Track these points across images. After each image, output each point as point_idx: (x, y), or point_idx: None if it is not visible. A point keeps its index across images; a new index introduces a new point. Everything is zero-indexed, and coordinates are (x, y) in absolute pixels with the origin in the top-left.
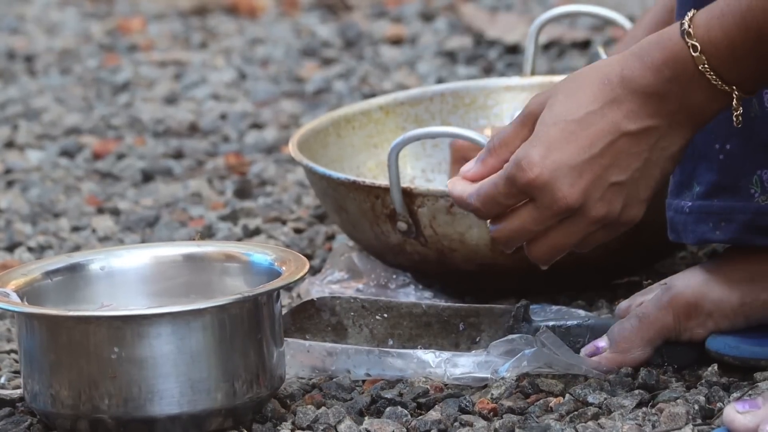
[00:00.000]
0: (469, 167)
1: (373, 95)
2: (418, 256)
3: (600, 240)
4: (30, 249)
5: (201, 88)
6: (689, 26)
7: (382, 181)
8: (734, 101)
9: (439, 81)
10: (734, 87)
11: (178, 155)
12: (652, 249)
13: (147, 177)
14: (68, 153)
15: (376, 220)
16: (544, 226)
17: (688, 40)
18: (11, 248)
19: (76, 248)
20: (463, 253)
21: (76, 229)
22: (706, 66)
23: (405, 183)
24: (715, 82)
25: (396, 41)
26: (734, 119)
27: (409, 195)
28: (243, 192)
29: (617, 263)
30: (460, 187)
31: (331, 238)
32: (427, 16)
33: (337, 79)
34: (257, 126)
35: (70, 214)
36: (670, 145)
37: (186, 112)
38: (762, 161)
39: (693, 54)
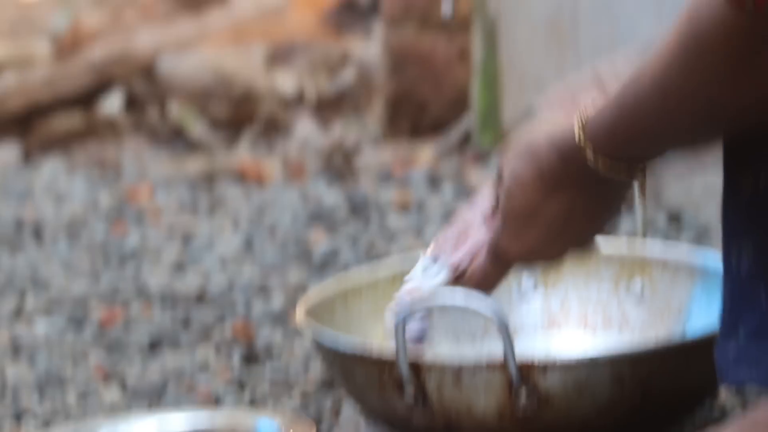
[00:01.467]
0: None
1: (379, 260)
2: (425, 425)
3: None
4: (37, 417)
5: (208, 255)
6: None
7: (390, 348)
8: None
9: None
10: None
11: (186, 323)
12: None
13: (154, 346)
14: (75, 321)
15: (382, 389)
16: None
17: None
18: (18, 417)
19: (83, 417)
20: (470, 422)
21: (83, 398)
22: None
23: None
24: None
25: (403, 207)
26: (638, 195)
27: (416, 366)
28: (250, 359)
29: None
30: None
31: (338, 405)
32: (434, 182)
33: (344, 246)
34: (265, 293)
35: (77, 383)
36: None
37: (193, 279)
38: None
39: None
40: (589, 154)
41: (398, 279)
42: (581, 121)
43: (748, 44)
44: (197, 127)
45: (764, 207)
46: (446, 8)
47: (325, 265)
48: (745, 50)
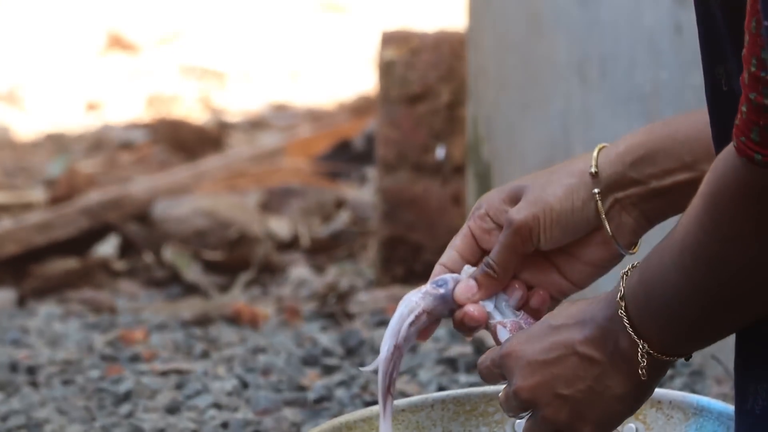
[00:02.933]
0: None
1: (374, 403)
2: None
3: None
4: None
5: (202, 397)
6: (630, 270)
7: None
8: (638, 354)
9: (440, 388)
10: (643, 341)
11: None
12: None
13: None
14: None
15: None
16: (514, 408)
17: (621, 281)
18: None
19: None
20: None
21: None
22: (623, 312)
23: None
24: (629, 331)
25: None
26: (640, 372)
27: None
28: None
29: None
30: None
31: None
32: None
33: (339, 387)
34: None
35: None
36: (613, 386)
37: (187, 421)
38: None
39: (617, 299)
40: (619, 304)
41: (393, 419)
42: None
43: (762, 198)
44: (192, 271)
45: None
46: (440, 152)
47: (320, 406)
48: (760, 204)
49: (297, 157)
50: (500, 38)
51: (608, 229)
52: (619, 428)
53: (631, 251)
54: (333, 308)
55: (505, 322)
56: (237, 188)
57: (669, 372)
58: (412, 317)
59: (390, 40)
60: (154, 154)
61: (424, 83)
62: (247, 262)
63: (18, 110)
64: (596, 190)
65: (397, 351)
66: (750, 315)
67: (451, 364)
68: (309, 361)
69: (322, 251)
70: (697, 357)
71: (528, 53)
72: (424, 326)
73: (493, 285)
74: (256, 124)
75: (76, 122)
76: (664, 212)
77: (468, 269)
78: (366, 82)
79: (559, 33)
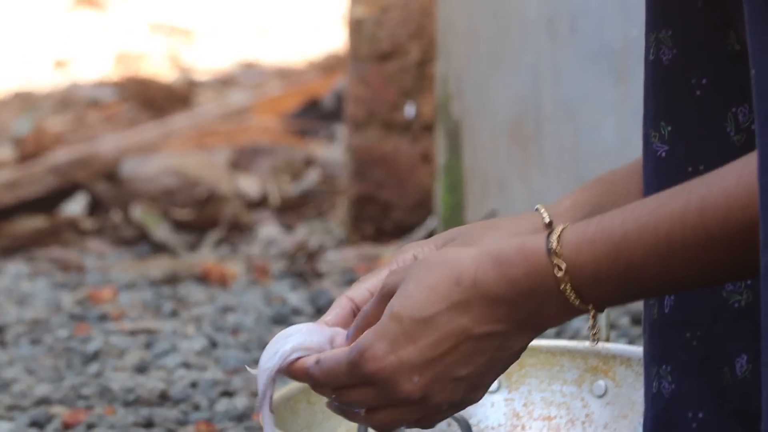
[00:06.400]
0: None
1: None
2: None
3: (442, 418)
4: None
5: (171, 356)
6: (557, 245)
7: None
8: (591, 319)
9: None
10: (590, 305)
11: (149, 424)
12: None
13: None
14: (38, 424)
15: None
16: (383, 405)
17: (553, 258)
18: None
19: None
20: None
21: None
22: (567, 286)
23: None
24: (573, 301)
25: None
26: (591, 338)
27: None
28: None
29: None
30: (302, 359)
31: None
32: None
33: None
34: (228, 394)
35: None
36: (514, 345)
37: (156, 380)
38: (734, 429)
39: (557, 274)
40: (563, 279)
41: None
42: (556, 238)
43: None
44: (160, 230)
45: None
46: (409, 110)
47: None
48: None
49: (266, 115)
50: None
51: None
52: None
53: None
54: (302, 267)
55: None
56: (206, 146)
57: (636, 331)
58: (285, 361)
59: None
60: (123, 112)
61: (394, 41)
62: (215, 220)
63: None
64: None
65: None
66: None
67: None
68: (278, 320)
69: (291, 210)
70: None
71: (498, 9)
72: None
73: None
74: (224, 82)
75: (44, 80)
76: None
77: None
78: (335, 40)
79: None
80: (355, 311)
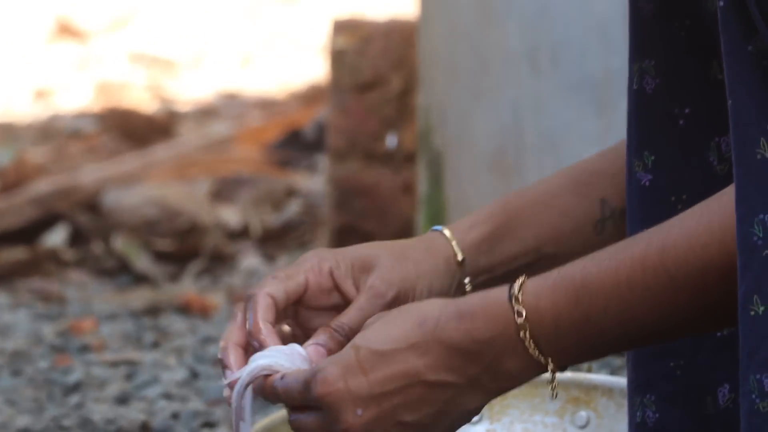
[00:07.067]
0: None
1: None
2: None
3: None
4: None
5: (153, 387)
6: (518, 291)
7: None
8: (550, 373)
9: None
10: (550, 359)
11: None
12: None
13: None
14: None
15: None
16: None
17: (514, 305)
18: None
19: None
20: None
21: None
22: (527, 334)
23: None
24: (532, 352)
25: None
26: (551, 393)
27: None
28: None
29: None
30: (272, 376)
31: None
32: None
33: None
34: (209, 425)
35: None
36: (466, 403)
37: (137, 412)
38: None
39: (516, 320)
40: (523, 326)
41: None
42: (518, 285)
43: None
44: (142, 260)
45: None
46: (391, 140)
47: None
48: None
49: (247, 145)
50: (452, 25)
51: None
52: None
53: None
54: None
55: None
56: (187, 177)
57: (618, 362)
58: (252, 376)
59: (341, 28)
60: (104, 142)
61: (376, 71)
62: (197, 251)
63: None
64: (467, 280)
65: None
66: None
67: None
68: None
69: (273, 240)
70: None
71: (479, 40)
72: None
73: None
74: (206, 113)
75: (25, 110)
76: None
77: (295, 348)
78: (317, 70)
79: (510, 20)
80: (279, 311)
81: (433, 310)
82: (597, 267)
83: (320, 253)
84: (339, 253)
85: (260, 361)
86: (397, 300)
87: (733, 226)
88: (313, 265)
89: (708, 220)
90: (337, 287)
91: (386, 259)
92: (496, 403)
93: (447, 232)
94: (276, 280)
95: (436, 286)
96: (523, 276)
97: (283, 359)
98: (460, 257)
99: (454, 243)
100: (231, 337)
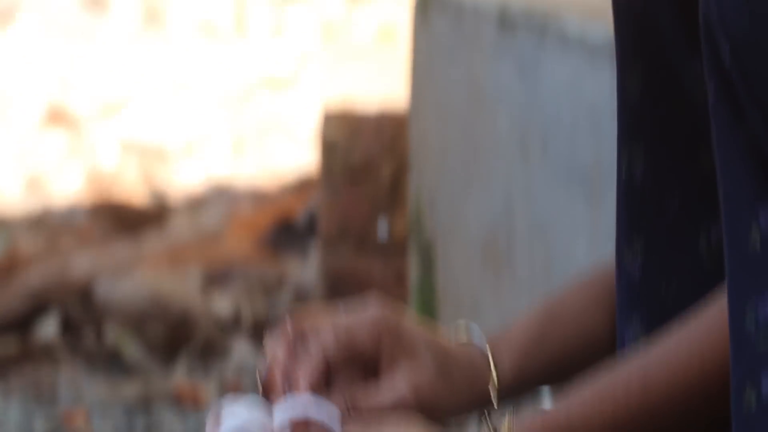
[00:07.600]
0: None
1: None
2: None
3: None
4: None
5: None
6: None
7: None
8: None
9: None
10: None
11: None
12: None
13: None
14: None
15: None
16: None
17: None
18: None
19: None
20: None
21: None
22: None
23: None
24: None
25: None
26: None
27: None
28: None
29: None
30: None
31: None
32: None
33: None
34: None
35: None
36: None
37: None
38: None
39: None
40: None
41: None
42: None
43: None
44: (133, 351)
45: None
46: (382, 231)
47: None
48: None
49: (239, 235)
50: (442, 112)
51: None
52: None
53: None
54: None
55: None
56: (179, 267)
57: None
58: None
59: (332, 120)
60: (95, 232)
61: (367, 160)
62: (188, 341)
63: None
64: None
65: None
66: None
67: None
68: None
69: (264, 329)
70: None
71: (469, 128)
72: None
73: None
74: (198, 202)
75: (16, 199)
76: None
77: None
78: (307, 158)
79: (500, 106)
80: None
81: None
82: (581, 407)
83: (387, 319)
84: (398, 326)
85: (232, 421)
86: (417, 405)
87: (714, 351)
88: (373, 334)
89: (687, 346)
90: (370, 356)
91: (429, 368)
92: None
93: (490, 357)
94: (336, 331)
95: (458, 405)
96: (509, 415)
97: (316, 412)
98: (495, 386)
99: (493, 373)
100: (278, 361)
